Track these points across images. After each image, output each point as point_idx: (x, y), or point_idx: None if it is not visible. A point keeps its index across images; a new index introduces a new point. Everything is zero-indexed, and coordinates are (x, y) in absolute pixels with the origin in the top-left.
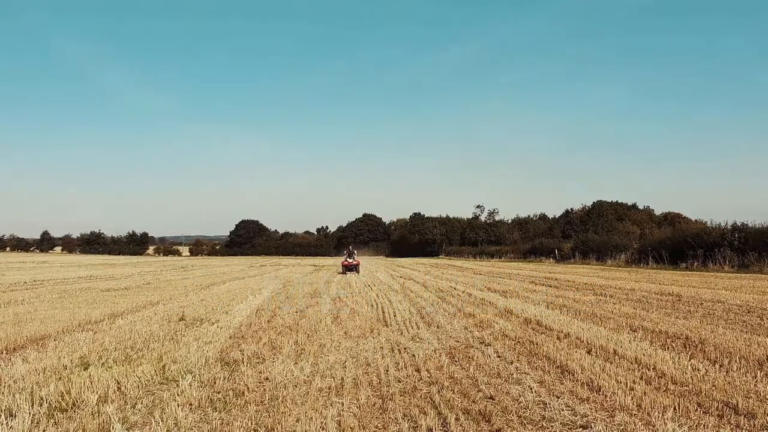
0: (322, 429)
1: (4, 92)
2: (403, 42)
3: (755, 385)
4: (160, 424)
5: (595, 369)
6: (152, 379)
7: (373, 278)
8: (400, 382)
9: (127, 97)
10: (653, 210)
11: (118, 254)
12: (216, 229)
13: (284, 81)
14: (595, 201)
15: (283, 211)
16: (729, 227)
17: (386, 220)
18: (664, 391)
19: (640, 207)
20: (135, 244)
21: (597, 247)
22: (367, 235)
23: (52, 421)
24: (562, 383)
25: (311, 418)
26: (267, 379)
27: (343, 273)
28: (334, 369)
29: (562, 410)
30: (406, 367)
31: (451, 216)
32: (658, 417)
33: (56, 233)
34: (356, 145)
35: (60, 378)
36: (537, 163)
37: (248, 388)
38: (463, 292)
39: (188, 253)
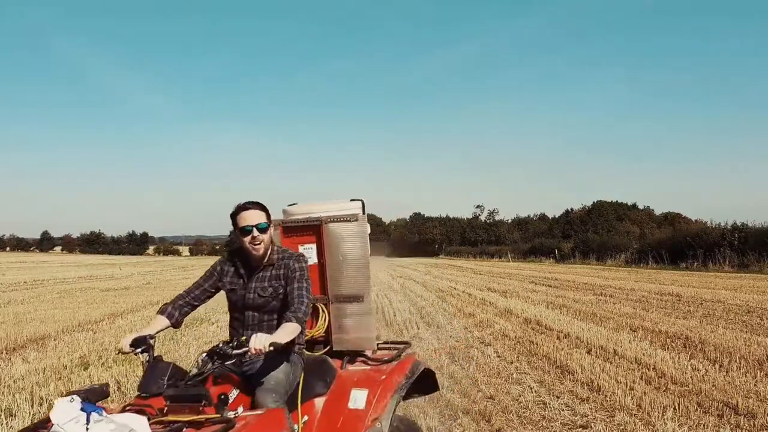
0: None
1: (5, 92)
2: (404, 42)
3: (755, 385)
4: None
5: (595, 369)
6: None
7: (373, 278)
8: None
9: (127, 98)
10: (653, 210)
11: (118, 254)
12: (216, 229)
13: (284, 81)
14: (595, 201)
15: (288, 202)
16: (729, 227)
17: (386, 220)
18: (664, 391)
19: (640, 207)
20: (135, 244)
21: (597, 247)
22: None
23: None
24: (562, 383)
25: None
26: None
27: None
28: None
29: (562, 410)
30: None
31: (451, 216)
32: (658, 417)
33: (56, 233)
34: (356, 144)
35: (60, 378)
36: (537, 163)
37: None
38: (463, 291)
39: (188, 253)
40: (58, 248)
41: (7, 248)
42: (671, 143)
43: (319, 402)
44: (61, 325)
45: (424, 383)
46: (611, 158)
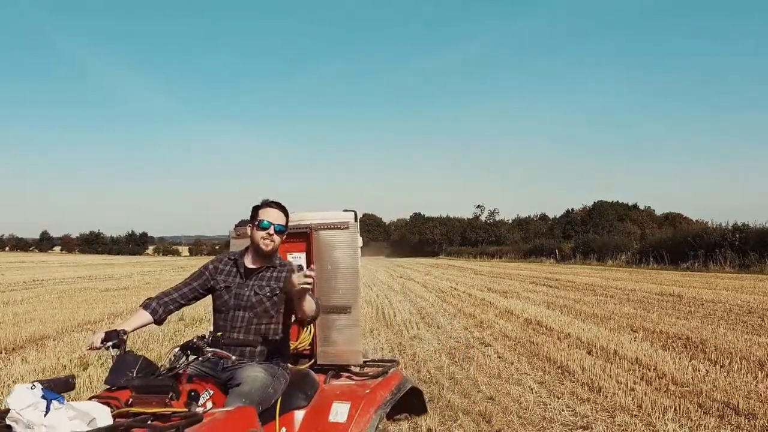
0: None
1: (4, 92)
2: (404, 42)
3: (756, 385)
4: None
5: (596, 369)
6: None
7: (373, 278)
8: None
9: (127, 97)
10: (654, 210)
11: (118, 254)
12: (215, 229)
13: (284, 80)
14: (596, 201)
15: None
16: (730, 227)
17: (386, 220)
18: (664, 391)
19: (641, 207)
20: (134, 244)
21: (598, 247)
22: (366, 236)
23: None
24: (563, 384)
25: None
26: None
27: None
28: None
29: (563, 411)
30: (406, 368)
31: (451, 216)
32: (659, 417)
33: (55, 233)
34: (356, 144)
35: None
36: (537, 163)
37: None
38: (463, 292)
39: (188, 253)
40: (57, 248)
41: (7, 248)
42: (672, 143)
43: (298, 414)
44: (61, 325)
45: (412, 404)
46: (611, 158)
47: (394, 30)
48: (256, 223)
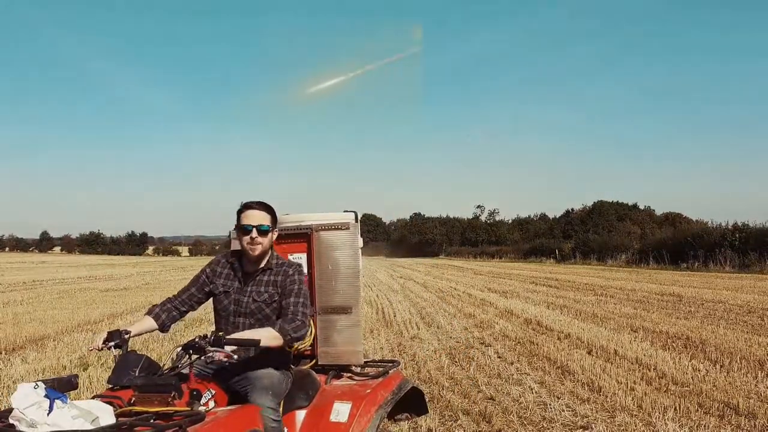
0: None
1: (4, 91)
2: (404, 41)
3: (756, 385)
4: None
5: (596, 369)
6: None
7: (373, 278)
8: None
9: (127, 97)
10: (654, 210)
11: (118, 254)
12: (215, 229)
13: (284, 80)
14: (596, 201)
15: (282, 211)
16: (730, 227)
17: (386, 220)
18: (664, 391)
19: (641, 207)
20: (134, 245)
21: (598, 247)
22: (366, 236)
23: None
24: (563, 384)
25: None
26: None
27: None
28: None
29: (563, 411)
30: (406, 368)
31: (451, 216)
32: (659, 417)
33: (55, 233)
34: (356, 144)
35: None
36: (537, 163)
37: None
38: (463, 292)
39: (188, 254)
40: (57, 249)
41: (7, 248)
42: (671, 143)
43: (300, 414)
44: (61, 325)
45: (413, 404)
46: (611, 158)
47: (396, 29)
48: (240, 228)
